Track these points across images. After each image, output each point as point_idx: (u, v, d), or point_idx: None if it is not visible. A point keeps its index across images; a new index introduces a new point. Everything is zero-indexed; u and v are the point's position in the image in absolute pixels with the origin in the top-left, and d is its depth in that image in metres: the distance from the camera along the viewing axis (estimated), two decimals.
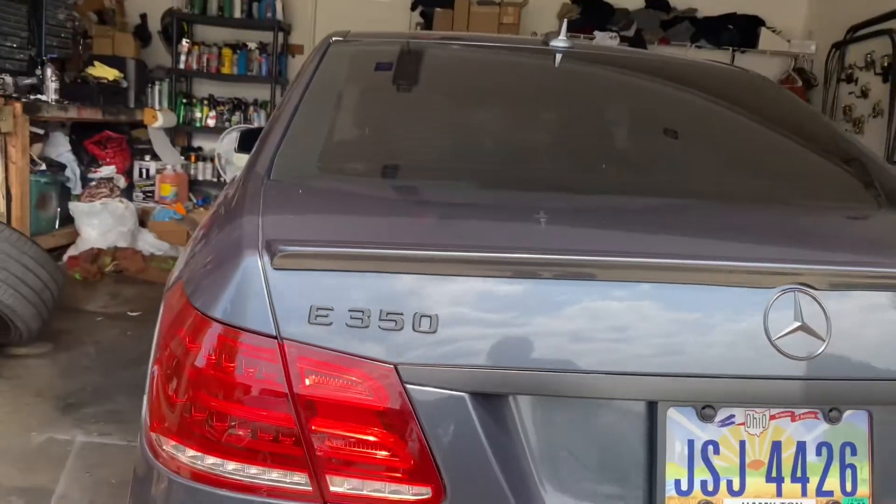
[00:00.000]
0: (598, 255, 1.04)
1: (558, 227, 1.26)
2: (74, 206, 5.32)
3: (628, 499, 1.05)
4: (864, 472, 1.08)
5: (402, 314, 0.97)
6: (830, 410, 1.07)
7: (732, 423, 1.06)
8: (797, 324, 1.01)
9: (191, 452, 1.01)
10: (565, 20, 2.06)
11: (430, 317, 0.98)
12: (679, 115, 1.89)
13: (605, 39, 6.62)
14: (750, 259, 1.05)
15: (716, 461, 1.05)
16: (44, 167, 5.11)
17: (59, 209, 5.31)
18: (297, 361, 0.97)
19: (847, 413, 1.08)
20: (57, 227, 5.31)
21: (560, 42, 1.98)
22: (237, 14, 6.78)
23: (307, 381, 0.97)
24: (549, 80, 1.95)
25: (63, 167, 5.39)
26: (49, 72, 5.23)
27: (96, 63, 5.77)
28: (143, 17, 7.15)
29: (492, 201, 1.39)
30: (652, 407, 1.04)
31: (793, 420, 1.07)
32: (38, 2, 5.56)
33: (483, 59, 2.04)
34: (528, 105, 1.86)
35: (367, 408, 0.98)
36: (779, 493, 1.06)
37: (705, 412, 1.04)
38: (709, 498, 1.04)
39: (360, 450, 0.98)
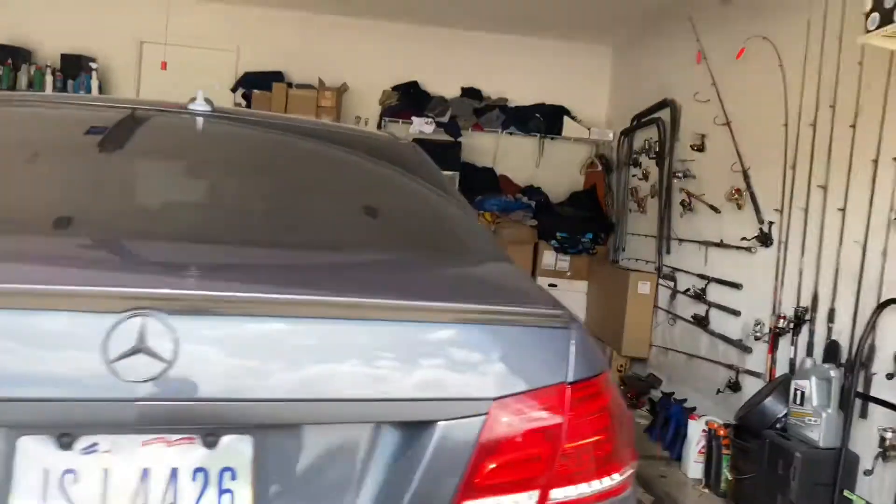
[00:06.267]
0: None
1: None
2: None
3: None
4: (243, 498, 1.09)
5: None
6: (207, 435, 1.09)
7: (96, 450, 1.06)
8: (136, 346, 1.03)
9: None
10: (201, 91, 2.11)
11: None
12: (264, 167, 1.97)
13: (421, 125, 6.92)
14: (95, 284, 1.07)
15: (73, 491, 1.04)
16: None
17: None
18: None
19: (226, 438, 1.10)
20: None
21: (198, 106, 2.05)
22: None
23: None
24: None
25: None
26: None
27: None
28: None
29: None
30: (8, 436, 1.03)
31: (168, 446, 1.08)
32: None
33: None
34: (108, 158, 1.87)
35: None
36: None
37: (63, 440, 1.04)
38: None
39: None
